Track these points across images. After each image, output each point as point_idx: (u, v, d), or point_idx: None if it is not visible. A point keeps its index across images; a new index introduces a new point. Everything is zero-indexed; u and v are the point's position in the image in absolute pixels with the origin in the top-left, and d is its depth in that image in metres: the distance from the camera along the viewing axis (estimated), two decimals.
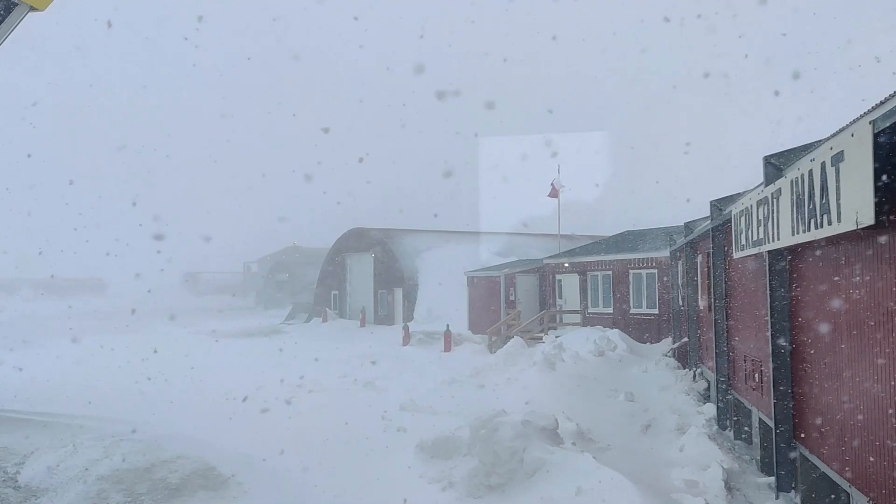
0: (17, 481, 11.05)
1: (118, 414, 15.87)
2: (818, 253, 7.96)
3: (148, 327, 40.59)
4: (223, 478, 10.78)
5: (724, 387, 13.87)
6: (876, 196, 5.28)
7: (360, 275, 47.32)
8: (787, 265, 9.22)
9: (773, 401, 9.35)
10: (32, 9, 6.06)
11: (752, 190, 10.44)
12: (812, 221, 6.85)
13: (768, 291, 9.41)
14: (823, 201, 6.44)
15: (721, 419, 13.87)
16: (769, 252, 9.21)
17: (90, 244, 63.28)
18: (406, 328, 32.21)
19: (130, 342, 31.29)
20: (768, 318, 9.43)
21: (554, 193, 34.77)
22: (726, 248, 13.36)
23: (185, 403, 15.92)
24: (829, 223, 6.29)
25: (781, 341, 9.26)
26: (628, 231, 31.63)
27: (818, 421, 8.20)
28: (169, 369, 21.72)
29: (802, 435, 8.86)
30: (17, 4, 5.91)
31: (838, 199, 6.02)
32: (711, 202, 14.03)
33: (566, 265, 29.62)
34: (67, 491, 10.35)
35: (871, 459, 6.48)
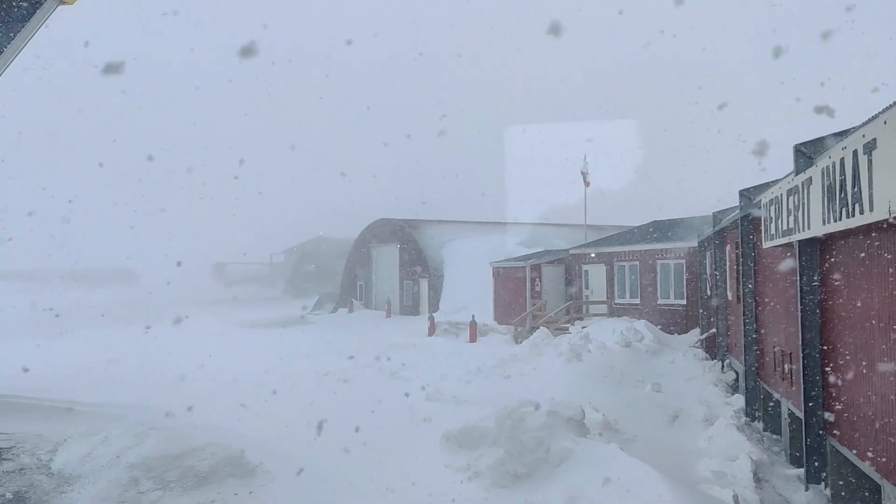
0: (50, 468, 11.26)
1: (148, 402, 16.10)
2: (850, 242, 7.83)
3: (176, 317, 41.01)
4: (251, 466, 10.90)
5: (752, 378, 13.74)
6: None
7: (385, 265, 47.46)
8: (817, 254, 9.09)
9: (802, 392, 9.24)
10: (62, 2, 6.13)
11: (782, 179, 10.29)
12: (843, 210, 6.74)
13: (798, 281, 9.28)
14: (855, 190, 6.33)
15: (749, 410, 13.74)
16: (799, 241, 9.09)
17: (120, 235, 64.14)
18: (432, 318, 32.27)
19: (160, 332, 31.71)
20: (798, 308, 9.30)
21: (585, 182, 34.63)
22: (755, 238, 13.20)
23: (214, 392, 16.09)
24: (861, 212, 6.18)
25: (812, 332, 9.14)
26: (656, 221, 31.32)
27: (849, 412, 8.09)
28: (198, 358, 21.98)
29: (833, 426, 8.75)
30: None
31: (870, 187, 5.92)
32: (740, 191, 13.86)
33: (592, 255, 29.46)
34: (99, 478, 10.54)
35: None
